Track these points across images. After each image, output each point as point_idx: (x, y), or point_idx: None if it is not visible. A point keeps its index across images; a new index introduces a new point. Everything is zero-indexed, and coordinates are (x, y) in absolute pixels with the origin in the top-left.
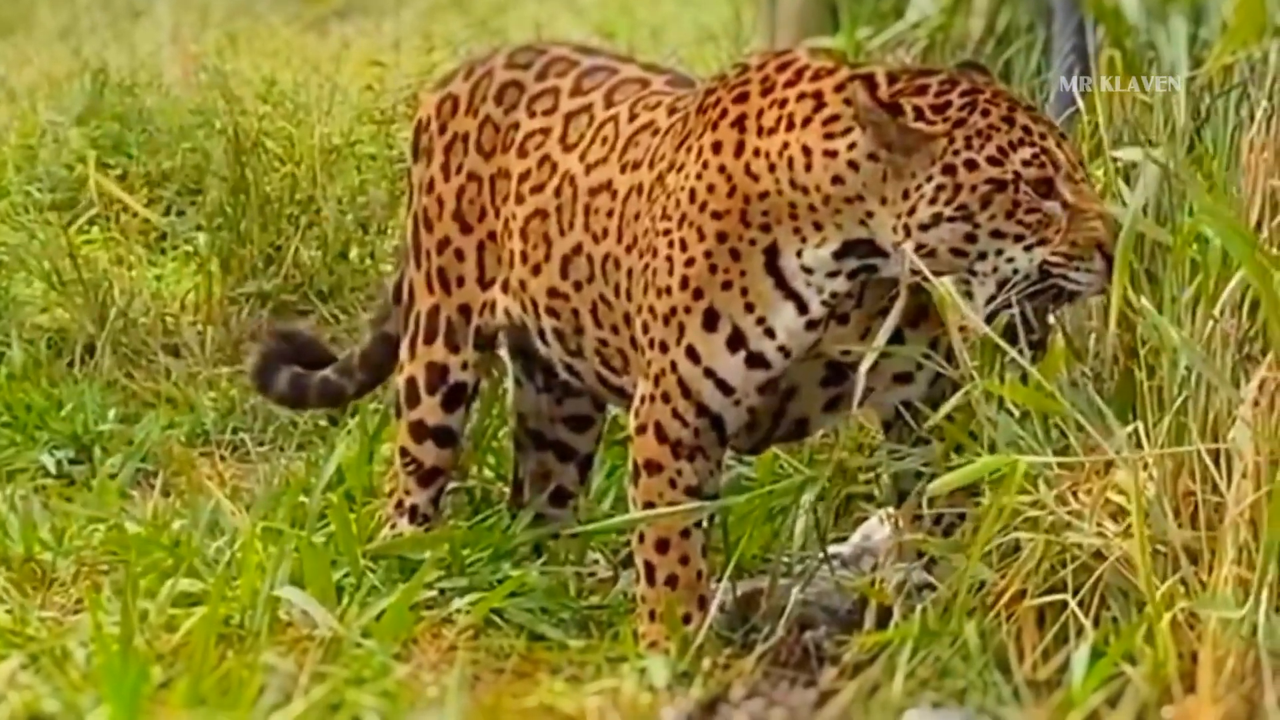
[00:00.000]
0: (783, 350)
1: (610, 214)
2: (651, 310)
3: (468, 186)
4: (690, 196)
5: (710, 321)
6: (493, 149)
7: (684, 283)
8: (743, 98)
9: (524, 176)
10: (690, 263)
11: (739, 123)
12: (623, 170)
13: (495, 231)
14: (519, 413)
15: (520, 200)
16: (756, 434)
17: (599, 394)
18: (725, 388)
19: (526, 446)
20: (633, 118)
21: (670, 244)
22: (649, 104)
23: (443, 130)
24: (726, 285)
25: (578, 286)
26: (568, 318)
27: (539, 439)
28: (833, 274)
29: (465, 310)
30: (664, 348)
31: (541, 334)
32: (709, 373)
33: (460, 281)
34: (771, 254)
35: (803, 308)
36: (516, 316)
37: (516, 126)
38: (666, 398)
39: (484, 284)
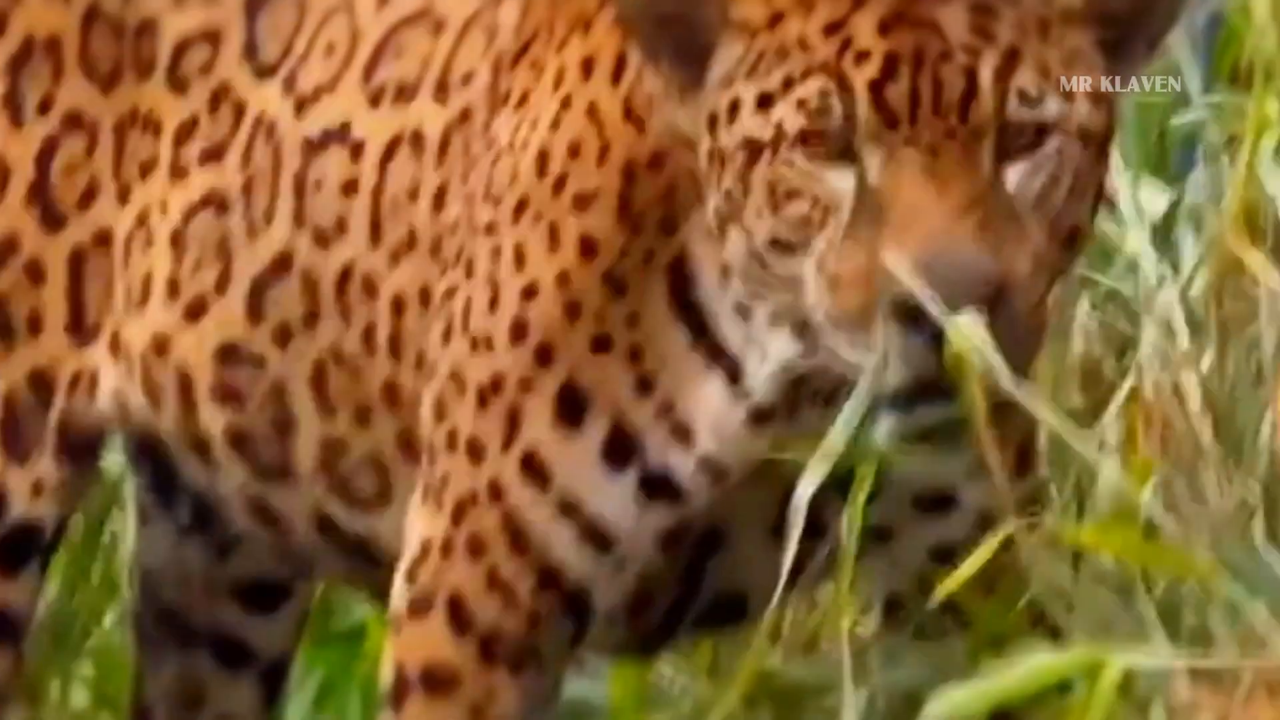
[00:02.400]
0: (708, 467)
1: (350, 188)
2: (455, 380)
3: (64, 140)
4: (537, 164)
5: (570, 409)
6: (115, 70)
7: (519, 331)
8: None
9: (186, 130)
10: (532, 293)
11: None
12: (374, 101)
13: (109, 231)
14: (146, 577)
15: (180, 173)
16: (646, 621)
17: (313, 551)
18: (598, 536)
19: (161, 640)
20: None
21: (494, 255)
22: None
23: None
24: (601, 343)
25: (282, 337)
26: (262, 404)
27: (183, 627)
28: (775, 318)
29: (40, 383)
30: (477, 452)
31: (198, 445)
32: (567, 507)
33: (33, 326)
34: (679, 277)
35: (739, 385)
36: (136, 408)
37: (154, 28)
38: (477, 547)
39: (80, 334)
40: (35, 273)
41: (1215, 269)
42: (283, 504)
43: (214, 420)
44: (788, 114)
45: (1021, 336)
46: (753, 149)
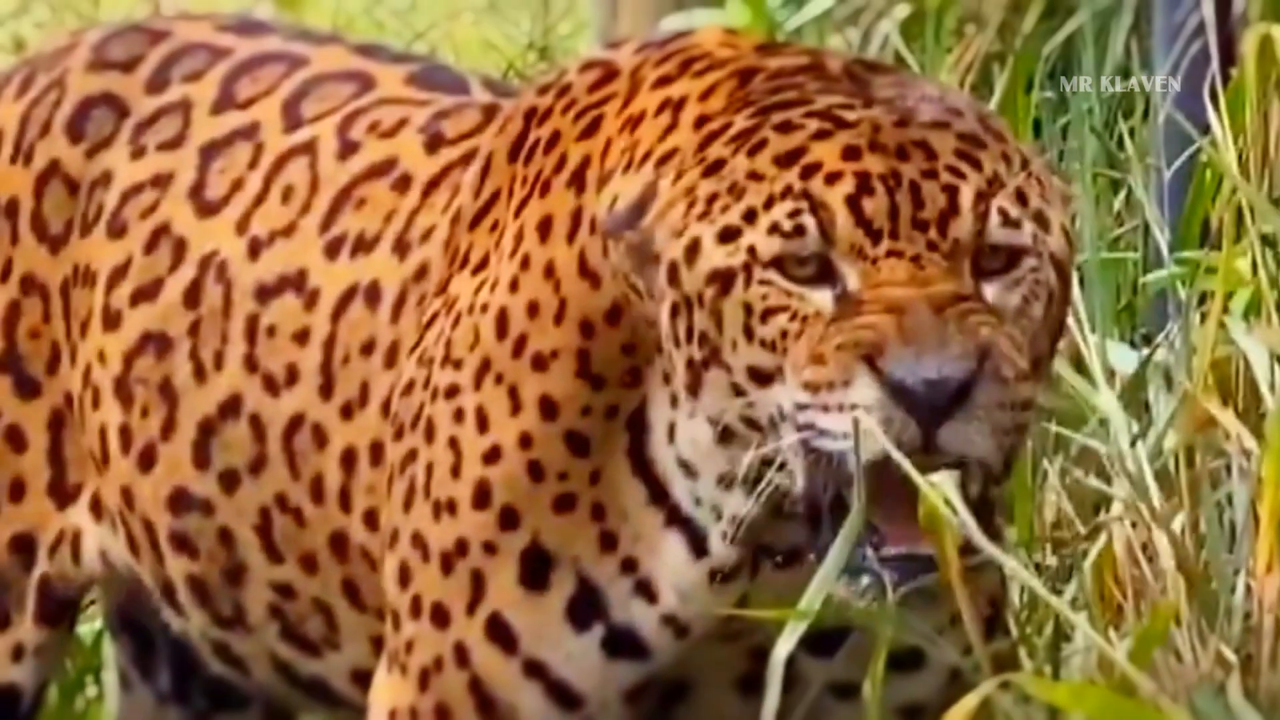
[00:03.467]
0: (672, 623)
1: (303, 337)
2: (418, 545)
3: (24, 305)
4: (496, 326)
5: (535, 570)
6: (65, 229)
7: (482, 495)
8: (594, 126)
9: (119, 273)
10: (495, 456)
11: (580, 176)
12: (331, 252)
13: (71, 394)
14: None
15: (113, 320)
16: None
17: (279, 698)
18: (565, 696)
19: None
20: (347, 150)
21: (456, 418)
22: (381, 124)
23: None
24: (565, 502)
25: (229, 482)
26: (212, 553)
27: None
28: (725, 481)
29: (23, 546)
30: (442, 617)
31: (166, 589)
32: (533, 668)
33: (15, 492)
34: (638, 431)
35: (698, 544)
36: (119, 558)
37: (108, 179)
38: (444, 713)
39: (61, 495)
40: (16, 440)
41: (1186, 427)
42: (241, 648)
43: (175, 568)
44: (759, 239)
45: (1005, 426)
46: (724, 279)
